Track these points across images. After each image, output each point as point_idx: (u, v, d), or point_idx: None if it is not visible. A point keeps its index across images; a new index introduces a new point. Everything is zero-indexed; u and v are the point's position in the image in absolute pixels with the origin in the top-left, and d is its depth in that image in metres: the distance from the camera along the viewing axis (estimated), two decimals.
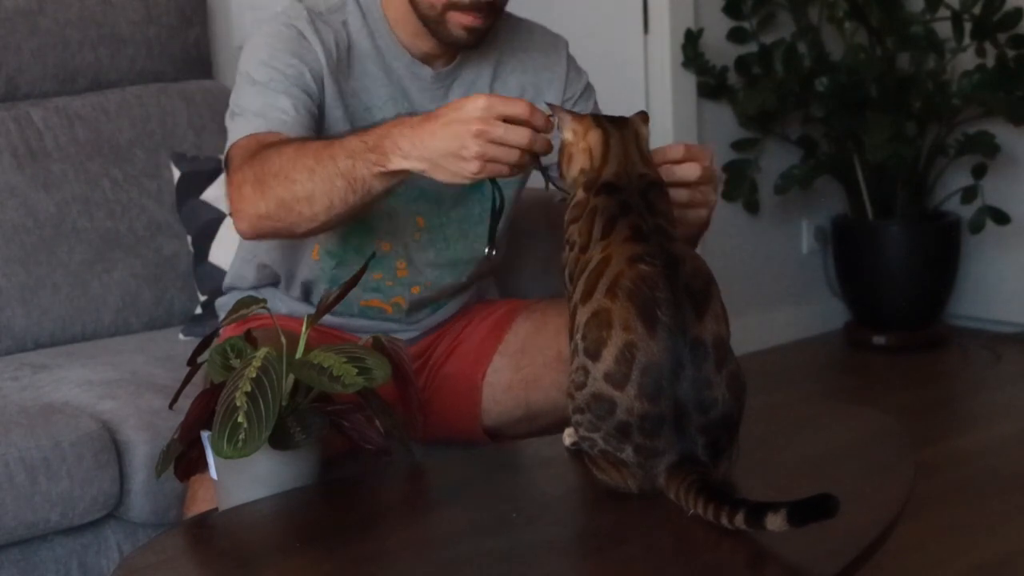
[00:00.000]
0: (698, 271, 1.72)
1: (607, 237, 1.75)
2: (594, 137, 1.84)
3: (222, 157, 2.19)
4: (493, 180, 1.90)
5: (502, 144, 1.79)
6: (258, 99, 2.10)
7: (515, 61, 2.29)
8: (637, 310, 1.67)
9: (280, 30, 2.17)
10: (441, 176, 1.85)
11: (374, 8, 2.22)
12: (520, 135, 1.79)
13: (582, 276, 1.75)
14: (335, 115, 2.17)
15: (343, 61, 2.18)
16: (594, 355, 1.69)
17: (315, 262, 2.26)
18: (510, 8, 2.23)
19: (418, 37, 2.20)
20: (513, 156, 1.80)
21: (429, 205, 2.26)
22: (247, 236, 2.05)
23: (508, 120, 1.79)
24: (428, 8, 2.14)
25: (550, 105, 1.91)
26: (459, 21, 2.12)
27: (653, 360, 1.66)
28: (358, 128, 2.06)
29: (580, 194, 1.83)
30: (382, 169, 1.89)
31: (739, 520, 1.57)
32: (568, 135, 1.86)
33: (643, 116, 1.89)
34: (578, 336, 1.72)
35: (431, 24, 2.15)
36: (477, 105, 1.79)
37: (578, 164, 1.84)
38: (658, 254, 1.71)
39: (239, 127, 2.11)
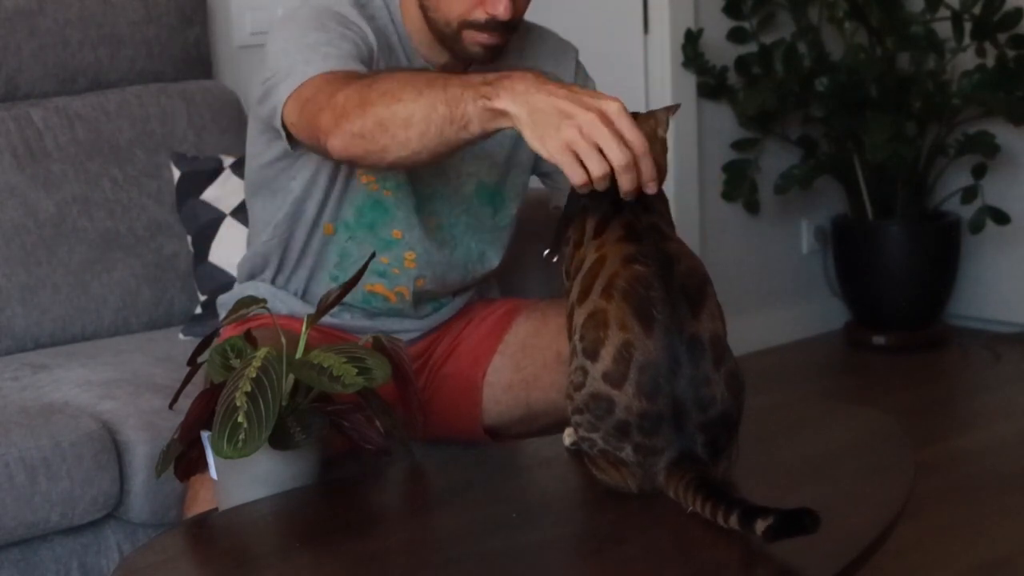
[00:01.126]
0: (693, 270, 1.73)
1: (600, 236, 1.75)
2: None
3: (262, 114, 2.10)
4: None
5: (598, 150, 1.69)
6: (314, 53, 2.05)
7: (525, 68, 2.27)
8: (633, 309, 1.67)
9: (325, 8, 2.15)
10: (527, 132, 1.72)
11: (397, 12, 2.22)
12: (620, 155, 1.67)
13: (578, 276, 1.75)
14: None
15: (384, 50, 2.18)
16: (592, 355, 1.69)
17: (327, 236, 2.26)
18: None
19: (433, 50, 2.20)
20: (599, 170, 1.69)
21: (442, 205, 2.27)
22: (338, 153, 1.93)
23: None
24: (444, 26, 2.14)
25: None
26: (475, 39, 2.13)
27: (650, 359, 1.66)
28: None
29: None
30: (487, 103, 1.77)
31: (733, 520, 1.57)
32: None
33: (658, 120, 1.82)
34: (576, 337, 1.72)
35: (447, 40, 2.16)
36: (611, 102, 1.70)
37: None
38: (652, 254, 1.71)
39: (296, 73, 2.03)
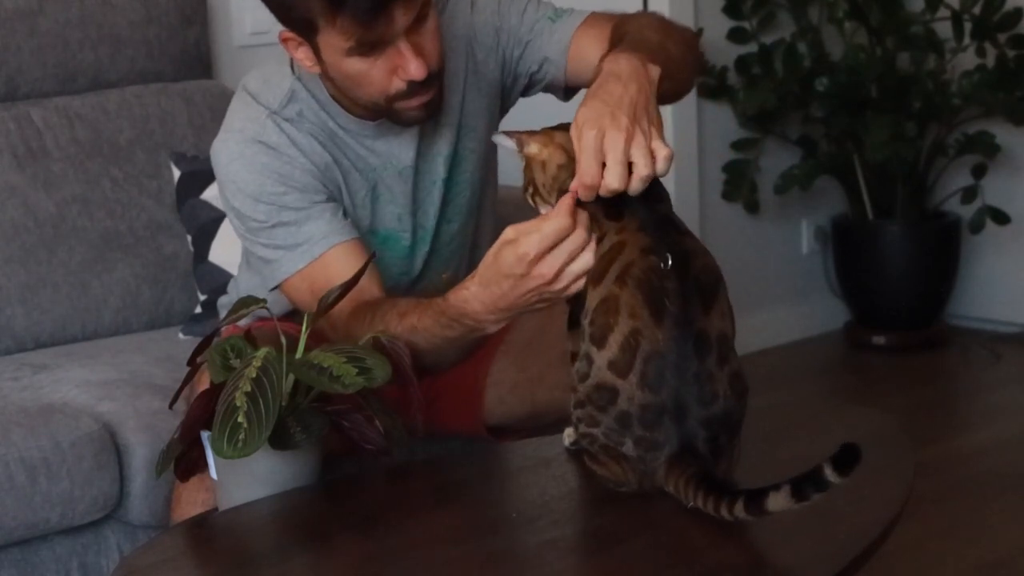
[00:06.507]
0: (708, 267, 1.73)
1: (618, 220, 1.75)
2: (561, 136, 1.84)
3: (275, 282, 2.16)
4: None
5: (560, 282, 1.79)
6: (273, 239, 2.11)
7: (449, 55, 2.19)
8: (645, 298, 1.67)
9: (254, 155, 2.12)
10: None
11: (321, 93, 2.16)
12: (559, 261, 1.78)
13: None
14: (360, 192, 2.18)
15: (327, 144, 2.15)
16: (600, 341, 1.69)
17: None
18: None
19: (379, 118, 2.15)
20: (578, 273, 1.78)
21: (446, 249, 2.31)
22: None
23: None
24: (374, 107, 2.09)
25: (506, 133, 1.89)
26: (407, 106, 2.06)
27: (657, 349, 1.66)
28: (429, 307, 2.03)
29: (570, 181, 1.82)
30: (477, 328, 1.95)
31: (739, 509, 1.56)
32: (533, 148, 1.85)
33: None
34: (586, 321, 1.73)
35: (384, 114, 2.11)
36: (509, 262, 1.81)
37: (555, 162, 1.83)
38: (670, 247, 1.71)
39: (276, 273, 2.14)
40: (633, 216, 1.75)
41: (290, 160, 2.12)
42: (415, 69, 1.99)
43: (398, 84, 2.02)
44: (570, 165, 1.81)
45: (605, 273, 1.72)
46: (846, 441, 1.50)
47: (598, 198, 1.77)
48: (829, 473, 1.50)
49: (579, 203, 1.78)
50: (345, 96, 2.12)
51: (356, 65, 2.01)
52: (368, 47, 1.98)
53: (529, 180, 1.86)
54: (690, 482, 1.63)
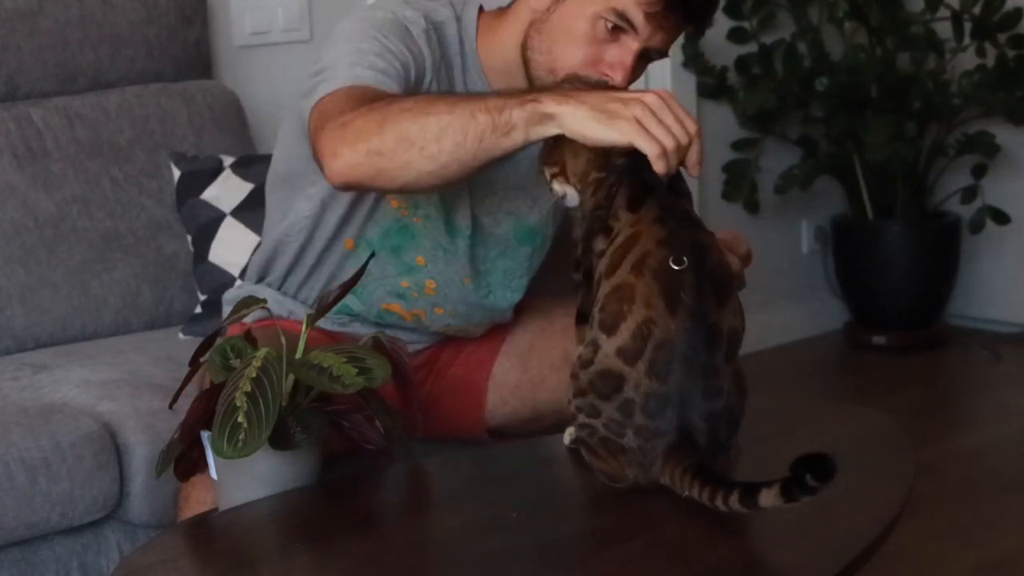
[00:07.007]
0: (723, 264, 1.74)
1: (636, 211, 1.74)
2: None
3: (306, 110, 1.99)
4: None
5: (663, 124, 1.74)
6: (362, 59, 1.99)
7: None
8: (661, 288, 1.67)
9: (399, 20, 2.07)
10: (591, 129, 1.74)
11: (470, 43, 2.13)
12: (682, 133, 1.74)
13: (609, 248, 1.74)
14: None
15: (442, 82, 2.10)
16: (610, 328, 1.68)
17: (348, 251, 2.19)
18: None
19: (511, 82, 2.09)
20: (669, 140, 1.73)
21: (482, 250, 2.21)
22: (338, 179, 1.86)
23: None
24: (546, 72, 2.05)
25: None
26: None
27: (668, 338, 1.66)
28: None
29: (594, 175, 1.81)
30: (537, 106, 1.77)
31: (733, 501, 1.56)
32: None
33: None
34: (596, 308, 1.72)
35: (534, 83, 2.06)
36: (661, 90, 1.77)
37: (584, 155, 1.81)
38: (686, 239, 1.71)
39: (336, 77, 1.97)
40: (650, 208, 1.74)
41: (413, 40, 2.06)
42: (621, 80, 1.99)
43: (591, 73, 2.00)
44: (596, 160, 1.80)
45: (618, 266, 1.71)
46: (818, 452, 1.51)
47: (623, 186, 1.76)
48: (809, 479, 1.50)
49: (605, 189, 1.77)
50: (528, 48, 2.07)
51: (585, 28, 2.01)
52: (616, 19, 1.99)
53: (558, 159, 1.83)
54: (687, 472, 1.63)
